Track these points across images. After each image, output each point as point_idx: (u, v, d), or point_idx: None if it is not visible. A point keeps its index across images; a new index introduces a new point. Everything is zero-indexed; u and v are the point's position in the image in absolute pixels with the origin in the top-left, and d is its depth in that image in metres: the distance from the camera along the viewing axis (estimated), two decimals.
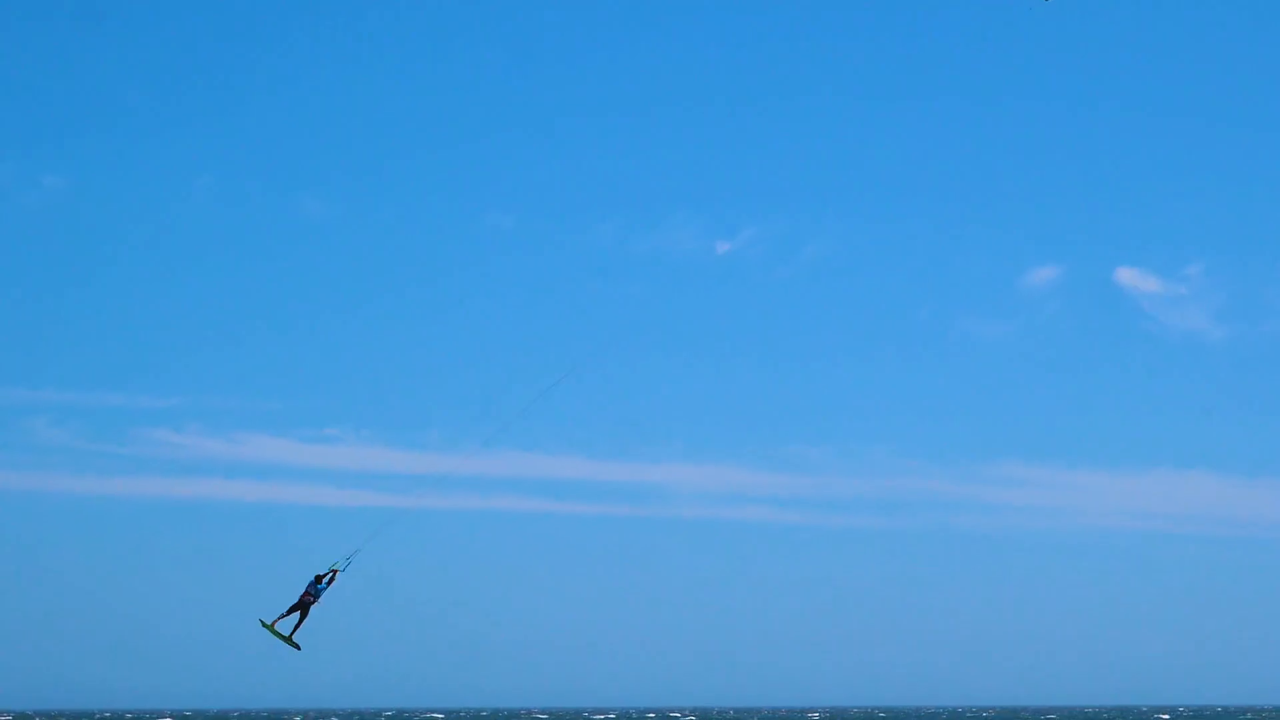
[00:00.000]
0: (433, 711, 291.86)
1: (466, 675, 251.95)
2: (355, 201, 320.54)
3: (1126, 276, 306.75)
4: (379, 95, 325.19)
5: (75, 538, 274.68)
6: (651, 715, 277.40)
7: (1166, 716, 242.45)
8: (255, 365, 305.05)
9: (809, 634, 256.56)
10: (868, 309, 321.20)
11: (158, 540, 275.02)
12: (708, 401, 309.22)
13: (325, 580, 56.09)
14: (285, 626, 57.50)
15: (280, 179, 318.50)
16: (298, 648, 56.88)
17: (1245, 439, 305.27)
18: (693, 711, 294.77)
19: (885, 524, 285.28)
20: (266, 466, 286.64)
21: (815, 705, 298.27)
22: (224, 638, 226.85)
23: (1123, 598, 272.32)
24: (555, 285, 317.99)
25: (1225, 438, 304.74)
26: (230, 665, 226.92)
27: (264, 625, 57.79)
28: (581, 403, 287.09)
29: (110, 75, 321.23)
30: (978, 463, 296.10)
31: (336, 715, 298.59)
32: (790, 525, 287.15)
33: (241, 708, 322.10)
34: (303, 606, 56.06)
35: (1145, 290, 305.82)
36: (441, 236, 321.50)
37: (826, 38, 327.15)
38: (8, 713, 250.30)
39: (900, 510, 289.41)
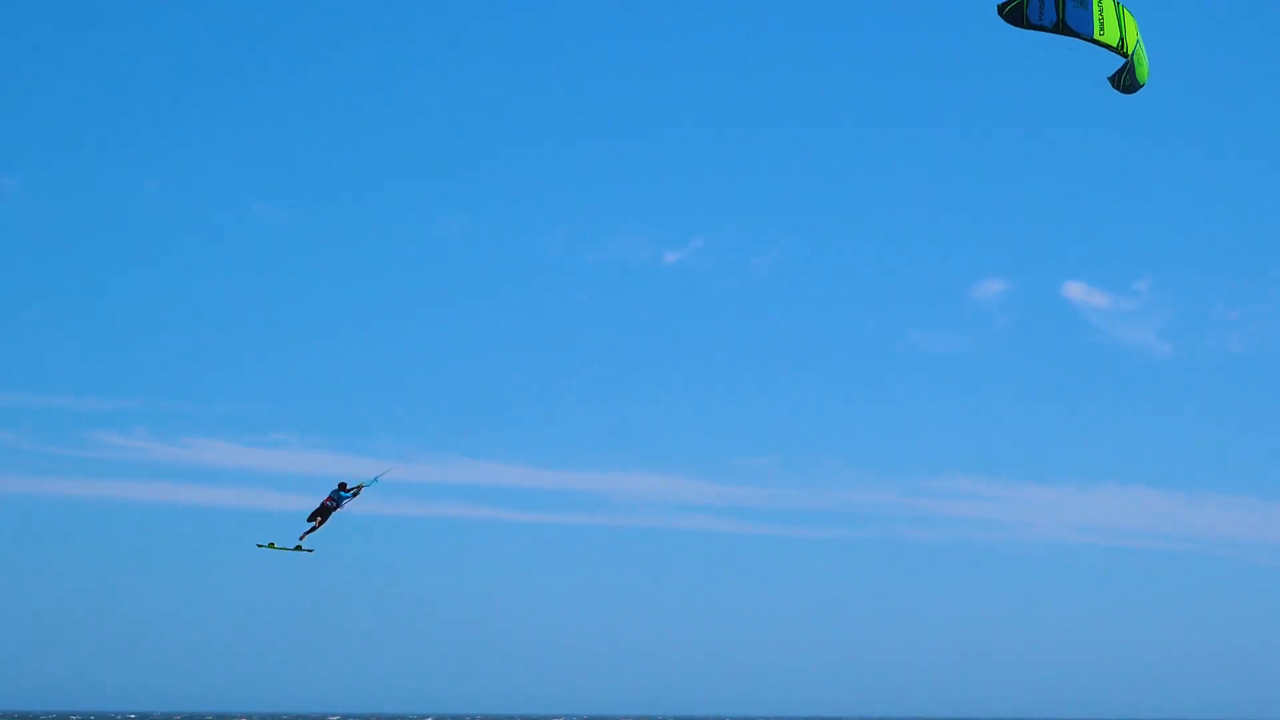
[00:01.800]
0: (380, 716, 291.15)
1: (410, 681, 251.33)
2: (305, 207, 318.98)
3: (1075, 291, 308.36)
4: (330, 101, 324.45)
5: (20, 539, 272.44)
6: None
7: None
8: (203, 369, 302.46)
9: (756, 643, 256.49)
10: (817, 320, 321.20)
11: (105, 542, 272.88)
12: (656, 410, 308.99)
13: (350, 490, 56.47)
14: (290, 540, 57.78)
15: (231, 183, 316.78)
16: (310, 551, 57.21)
17: (1190, 455, 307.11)
18: (640, 719, 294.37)
19: (834, 535, 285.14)
20: (214, 471, 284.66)
21: (765, 714, 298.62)
22: (169, 640, 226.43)
23: (1068, 611, 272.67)
24: (504, 292, 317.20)
25: (1170, 454, 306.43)
26: (176, 668, 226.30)
27: (262, 546, 57.90)
28: (528, 410, 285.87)
29: (63, 75, 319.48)
30: (926, 475, 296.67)
31: (285, 718, 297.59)
32: (739, 535, 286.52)
33: (186, 710, 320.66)
34: (324, 511, 56.47)
35: (1093, 305, 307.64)
36: (390, 243, 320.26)
37: (777, 50, 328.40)
38: None
39: (848, 522, 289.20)
